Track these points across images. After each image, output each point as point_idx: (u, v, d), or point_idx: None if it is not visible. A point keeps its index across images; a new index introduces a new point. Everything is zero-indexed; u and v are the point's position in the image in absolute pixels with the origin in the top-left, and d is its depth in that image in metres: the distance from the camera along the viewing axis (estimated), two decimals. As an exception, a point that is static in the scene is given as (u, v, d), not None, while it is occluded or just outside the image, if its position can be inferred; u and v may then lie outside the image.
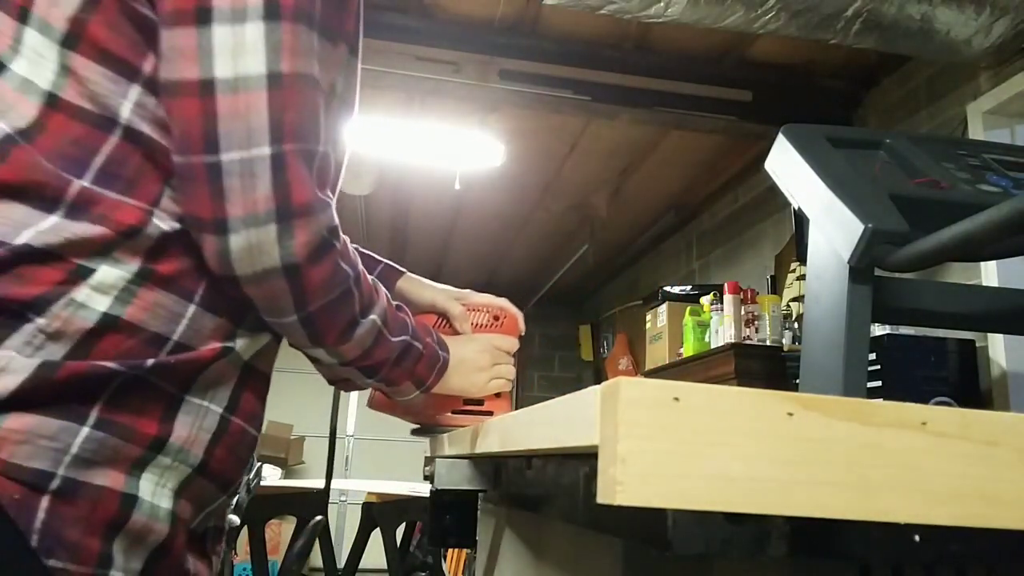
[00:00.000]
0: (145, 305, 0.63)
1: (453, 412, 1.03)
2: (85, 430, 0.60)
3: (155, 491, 0.64)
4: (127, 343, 0.62)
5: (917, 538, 0.32)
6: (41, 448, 0.58)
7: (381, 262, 1.06)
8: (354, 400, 5.64)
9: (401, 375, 0.83)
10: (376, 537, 3.52)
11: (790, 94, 3.31)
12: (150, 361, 0.63)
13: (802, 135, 1.27)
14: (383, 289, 0.80)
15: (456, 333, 1.02)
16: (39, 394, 0.58)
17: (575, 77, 3.18)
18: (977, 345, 2.45)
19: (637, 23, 2.88)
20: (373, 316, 0.76)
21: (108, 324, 0.61)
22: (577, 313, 6.70)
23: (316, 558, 4.42)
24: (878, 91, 3.20)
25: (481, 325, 1.04)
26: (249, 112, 0.62)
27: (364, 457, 6.17)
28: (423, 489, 3.18)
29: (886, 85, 3.15)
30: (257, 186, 0.62)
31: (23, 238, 0.59)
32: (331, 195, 0.70)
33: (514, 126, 3.72)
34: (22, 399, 0.58)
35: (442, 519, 1.10)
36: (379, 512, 3.55)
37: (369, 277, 0.77)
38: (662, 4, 2.38)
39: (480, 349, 0.97)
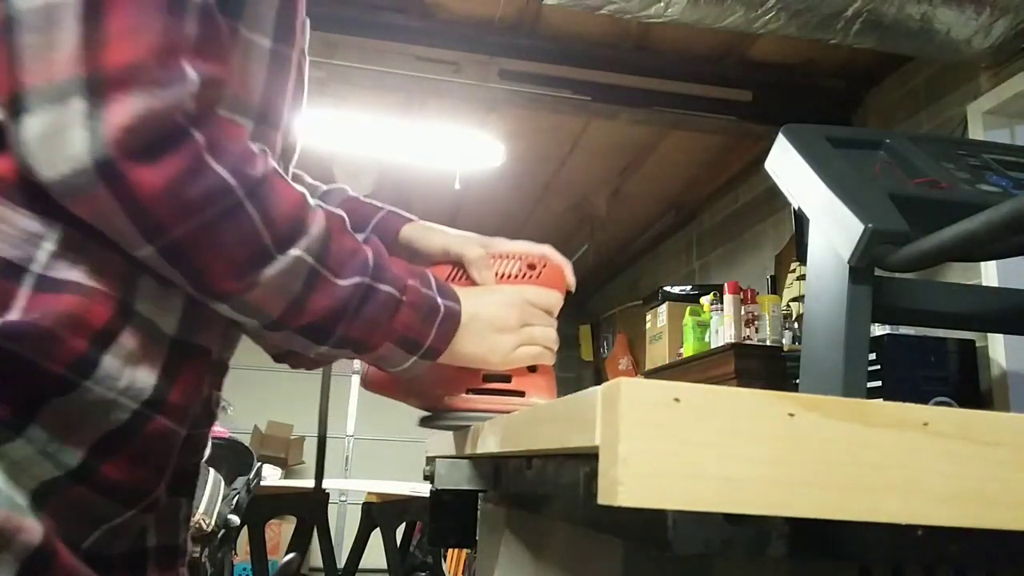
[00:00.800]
0: None
1: (469, 392, 0.74)
2: None
3: (7, 483, 0.48)
4: None
5: (922, 540, 0.32)
6: None
7: (382, 208, 0.83)
8: (354, 400, 5.64)
9: (372, 333, 0.60)
10: (376, 537, 3.52)
11: (790, 94, 3.30)
12: (12, 314, 0.46)
13: (802, 135, 1.27)
14: (327, 212, 0.58)
15: (474, 286, 0.76)
16: None
17: (575, 77, 3.18)
18: (977, 345, 2.45)
19: (637, 23, 2.88)
20: (296, 251, 0.54)
21: None
22: (577, 313, 6.69)
23: (316, 558, 4.42)
24: (878, 91, 3.20)
25: (509, 275, 0.75)
26: None
27: (364, 457, 6.17)
28: (423, 489, 3.18)
29: (886, 85, 3.15)
30: (59, 40, 0.44)
31: None
32: (205, 66, 0.50)
33: (514, 126, 3.72)
34: None
35: (442, 519, 1.10)
36: (379, 512, 3.55)
37: (297, 192, 0.55)
38: (662, 4, 2.38)
39: (504, 302, 0.70)
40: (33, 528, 0.47)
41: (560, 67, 3.15)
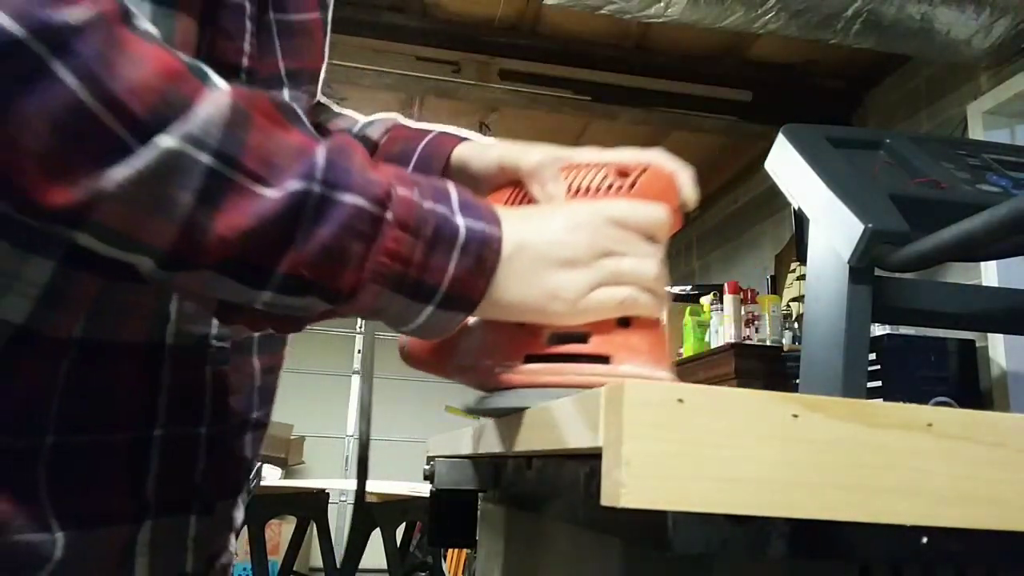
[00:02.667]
0: None
1: (528, 360, 0.50)
2: None
3: None
4: None
5: (924, 540, 0.32)
6: None
7: (432, 130, 0.67)
8: (354, 399, 5.63)
9: (339, 269, 0.40)
10: (376, 537, 3.52)
11: (790, 94, 3.31)
12: None
13: (802, 135, 1.27)
14: (254, 94, 0.40)
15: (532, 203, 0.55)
16: None
17: (575, 77, 3.18)
18: (977, 345, 2.45)
19: (637, 23, 2.88)
20: (168, 139, 0.36)
21: None
22: (577, 313, 6.69)
23: (316, 558, 4.42)
24: (878, 91, 3.20)
25: (590, 189, 0.52)
26: None
27: (364, 457, 6.16)
28: (423, 489, 3.18)
29: (886, 85, 3.15)
30: None
31: None
32: None
33: (514, 126, 3.72)
34: None
35: (442, 519, 1.10)
36: (379, 512, 3.55)
37: (174, 57, 0.38)
38: (662, 4, 2.38)
39: (572, 224, 0.47)
40: None
41: (560, 67, 3.15)
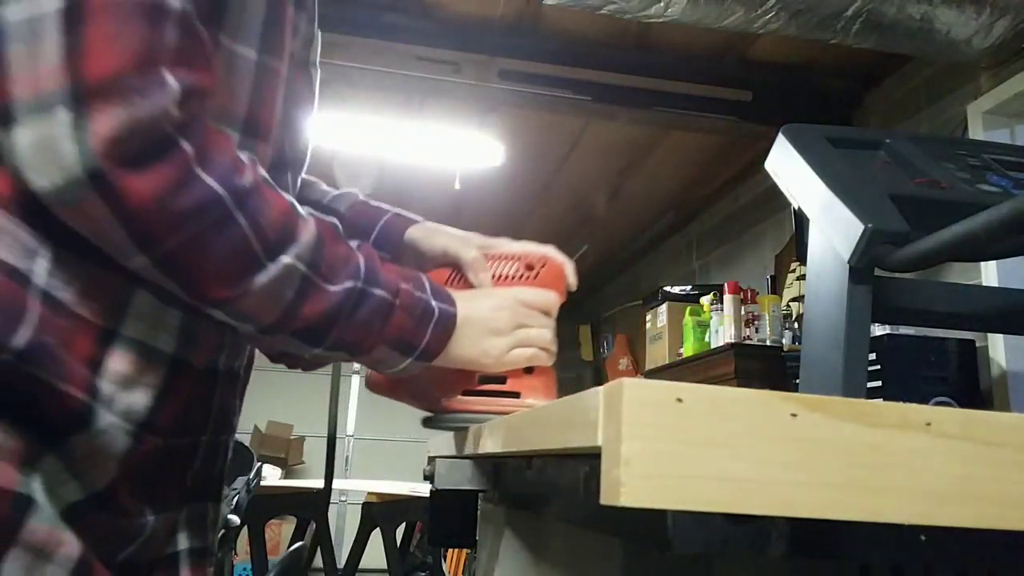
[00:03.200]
0: None
1: (465, 394, 0.75)
2: None
3: (46, 499, 0.50)
4: None
5: (923, 538, 0.32)
6: None
7: (389, 211, 0.84)
8: (354, 400, 5.64)
9: (365, 336, 0.61)
10: (376, 537, 3.52)
11: (790, 94, 3.30)
12: (21, 337, 0.48)
13: (802, 135, 1.27)
14: (323, 222, 0.60)
15: (470, 288, 0.77)
16: None
17: (575, 77, 3.18)
18: (977, 345, 2.45)
19: (637, 23, 2.88)
20: (287, 258, 0.54)
21: None
22: (577, 313, 6.69)
23: (316, 558, 4.42)
24: (878, 91, 3.20)
25: (507, 276, 0.75)
26: None
27: (364, 457, 6.17)
28: (423, 489, 3.18)
29: (886, 85, 3.15)
30: (42, 52, 0.44)
31: None
32: (190, 75, 0.49)
33: (514, 126, 3.72)
34: None
35: (442, 519, 1.10)
36: (379, 512, 3.55)
37: (285, 200, 0.55)
38: (662, 4, 2.38)
39: (496, 306, 0.70)
40: (71, 542, 0.50)
41: (560, 67, 3.15)
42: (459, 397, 0.75)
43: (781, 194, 1.29)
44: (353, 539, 3.68)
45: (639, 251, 5.51)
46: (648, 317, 3.98)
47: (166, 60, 0.48)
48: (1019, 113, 2.63)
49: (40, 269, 0.50)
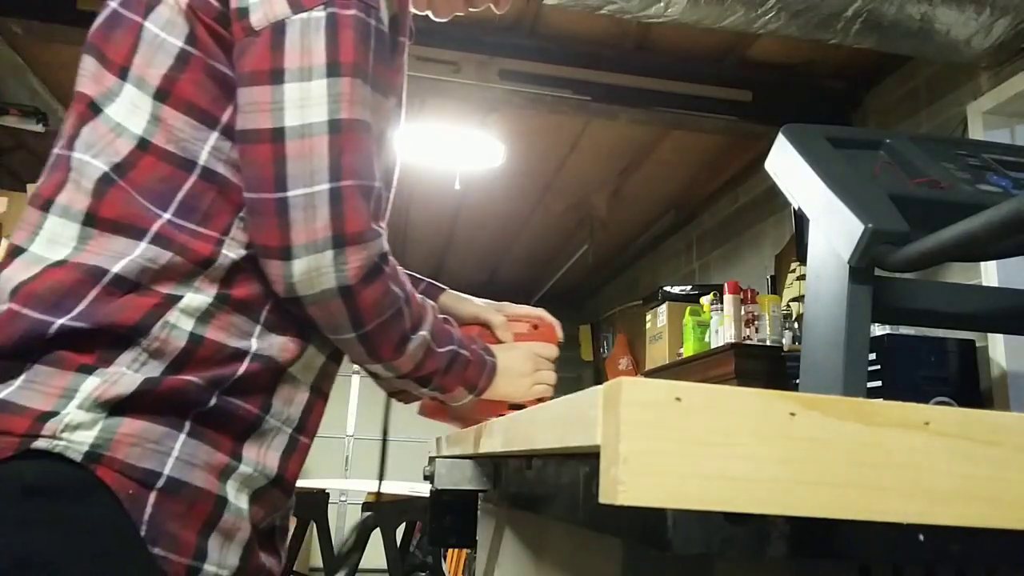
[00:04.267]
0: (223, 325, 0.73)
1: (498, 417, 0.99)
2: (182, 437, 0.70)
3: (237, 495, 0.73)
4: (210, 360, 0.72)
5: (921, 538, 0.32)
6: (149, 450, 0.68)
7: (423, 280, 1.11)
8: (354, 399, 5.64)
9: (452, 382, 0.89)
10: (376, 537, 3.52)
11: (790, 94, 3.31)
12: (236, 373, 0.73)
13: (802, 135, 1.27)
14: (430, 304, 0.86)
15: (498, 343, 1.06)
16: (145, 404, 0.68)
17: (575, 77, 3.18)
18: (977, 345, 2.45)
19: (637, 23, 2.88)
20: (423, 331, 0.83)
21: (196, 342, 0.72)
22: (577, 313, 6.69)
23: (316, 558, 4.42)
24: (878, 91, 3.20)
25: (521, 334, 1.08)
26: (312, 154, 0.72)
27: (364, 457, 6.17)
28: (423, 489, 3.18)
29: (886, 85, 3.15)
30: (317, 217, 0.71)
31: (117, 268, 0.70)
32: (382, 227, 0.78)
33: (514, 126, 3.72)
34: (133, 406, 0.68)
35: (442, 519, 1.10)
36: (379, 512, 3.55)
37: (417, 296, 0.84)
38: (662, 4, 2.37)
39: (523, 356, 1.01)
40: (246, 527, 0.73)
41: (560, 67, 3.15)
42: (494, 419, 0.97)
43: (781, 194, 1.29)
44: (353, 539, 3.67)
45: (639, 251, 5.50)
46: (648, 317, 3.98)
47: (377, 218, 0.76)
48: (1019, 113, 2.63)
49: (252, 344, 0.75)
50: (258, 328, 0.76)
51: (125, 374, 0.68)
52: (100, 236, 0.71)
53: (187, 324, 0.72)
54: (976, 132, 2.62)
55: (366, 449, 6.28)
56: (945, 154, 1.27)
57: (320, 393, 0.83)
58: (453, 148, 3.66)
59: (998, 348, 2.47)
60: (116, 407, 0.67)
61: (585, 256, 5.31)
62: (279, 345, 0.77)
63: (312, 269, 0.72)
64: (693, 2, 2.36)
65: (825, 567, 0.38)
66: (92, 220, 0.72)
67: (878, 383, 2.27)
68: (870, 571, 0.40)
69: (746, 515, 0.31)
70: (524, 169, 4.26)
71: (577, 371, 6.59)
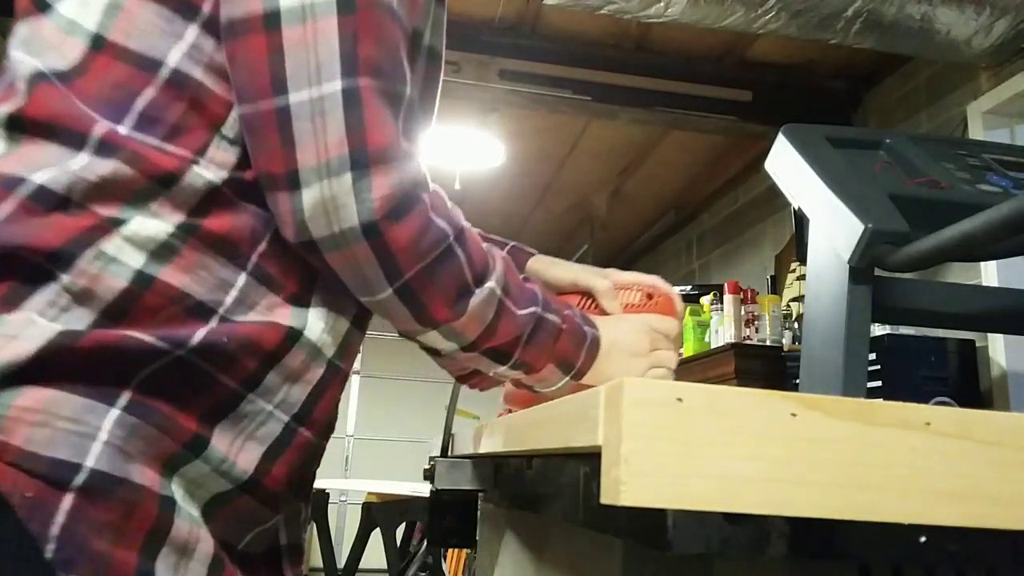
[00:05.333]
0: (187, 266, 0.54)
1: None
2: (114, 413, 0.50)
3: (184, 500, 0.53)
4: (166, 311, 0.52)
5: (923, 539, 0.32)
6: (62, 432, 0.47)
7: (506, 243, 0.88)
8: (354, 399, 5.64)
9: (540, 356, 0.68)
10: (376, 537, 3.52)
11: (790, 94, 3.31)
12: (196, 337, 0.53)
13: (802, 135, 1.27)
14: (500, 254, 0.66)
15: (603, 315, 0.83)
16: (59, 366, 0.49)
17: (575, 77, 3.18)
18: (977, 345, 2.45)
19: (637, 23, 2.88)
20: (490, 283, 0.63)
21: (143, 284, 0.52)
22: (577, 313, 6.69)
23: (316, 558, 4.42)
24: (878, 91, 3.20)
25: (632, 305, 0.83)
26: (317, 41, 0.54)
27: (364, 457, 6.17)
28: (423, 489, 3.18)
29: (886, 85, 3.15)
30: (328, 128, 0.54)
31: (40, 178, 0.52)
32: (414, 144, 0.61)
33: (514, 126, 3.72)
34: (42, 369, 0.48)
35: (442, 519, 1.10)
36: (379, 512, 3.55)
37: (477, 236, 0.65)
38: (662, 4, 2.37)
39: (636, 330, 0.77)
40: (207, 538, 0.54)
41: (560, 67, 3.15)
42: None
43: (781, 194, 1.29)
44: (353, 539, 3.67)
45: (639, 251, 5.51)
46: (648, 317, 3.98)
47: (408, 135, 0.59)
48: (1019, 113, 2.63)
49: (229, 299, 0.56)
50: (243, 277, 0.56)
51: (34, 323, 0.49)
52: (28, 142, 0.54)
53: (132, 258, 0.52)
54: (976, 132, 2.62)
55: (366, 449, 6.28)
56: (945, 154, 1.27)
57: (337, 372, 0.63)
58: (453, 148, 3.66)
59: (998, 348, 2.47)
60: (16, 371, 0.48)
61: (585, 256, 5.31)
62: (268, 305, 0.57)
63: (327, 200, 0.54)
64: (693, 2, 2.36)
65: (825, 567, 0.38)
66: (19, 123, 0.54)
67: (878, 383, 2.27)
68: (870, 571, 0.40)
69: (746, 515, 0.31)
70: (524, 169, 4.26)
71: (577, 371, 6.59)
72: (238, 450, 0.56)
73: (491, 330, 0.64)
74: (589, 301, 0.83)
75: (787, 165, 1.25)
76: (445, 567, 3.68)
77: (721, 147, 3.91)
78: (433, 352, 0.70)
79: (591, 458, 0.37)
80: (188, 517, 0.53)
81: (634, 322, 0.79)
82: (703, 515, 0.30)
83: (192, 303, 0.54)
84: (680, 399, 0.30)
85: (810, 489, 0.31)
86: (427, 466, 1.00)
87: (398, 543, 3.61)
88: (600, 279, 0.83)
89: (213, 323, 0.55)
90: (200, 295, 0.54)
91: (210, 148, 0.56)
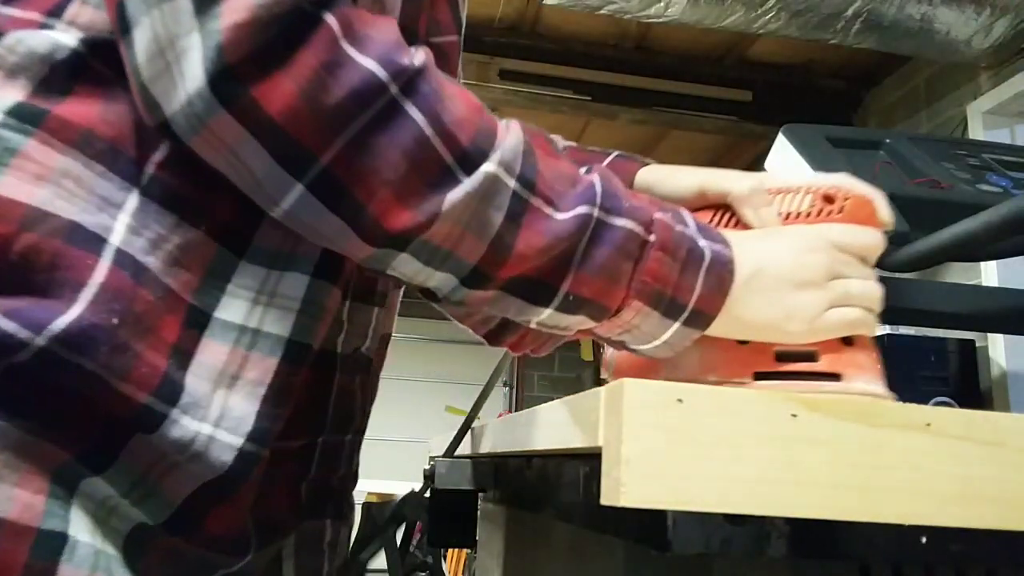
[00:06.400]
0: (32, 168, 0.37)
1: (757, 378, 0.49)
2: None
3: (93, 533, 0.37)
4: (16, 244, 0.36)
5: (924, 539, 0.32)
6: None
7: (610, 153, 0.67)
8: (354, 400, 5.62)
9: (610, 287, 0.43)
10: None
11: (790, 94, 3.30)
12: (61, 319, 0.35)
13: (802, 135, 1.27)
14: (530, 127, 0.45)
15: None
16: None
17: (575, 77, 3.18)
18: (977, 345, 2.45)
19: (637, 23, 2.88)
20: (489, 166, 0.40)
21: None
22: (577, 313, 6.67)
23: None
24: (878, 91, 3.20)
25: (799, 214, 0.53)
26: None
27: (364, 457, 6.17)
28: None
29: (886, 85, 3.15)
30: None
31: None
32: None
33: (514, 126, 3.72)
34: None
35: (442, 519, 1.10)
36: (379, 512, 3.55)
37: (467, 92, 0.42)
38: (662, 4, 2.37)
39: (804, 247, 0.48)
40: None
41: (560, 67, 3.15)
42: (753, 383, 0.50)
43: (781, 194, 1.29)
44: (353, 539, 3.67)
45: (639, 251, 5.50)
46: (648, 317, 3.98)
47: None
48: (1019, 113, 2.62)
49: (120, 225, 0.38)
50: (133, 199, 0.38)
51: None
52: None
53: None
54: (976, 132, 2.62)
55: (366, 449, 6.28)
56: (945, 154, 1.27)
57: (307, 348, 0.43)
58: (453, 148, 3.66)
59: (998, 348, 2.46)
60: None
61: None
62: (188, 245, 0.39)
63: (161, 41, 0.35)
64: (693, 2, 2.36)
65: (825, 567, 0.38)
66: None
67: (878, 383, 2.27)
68: (870, 572, 0.40)
69: (746, 515, 0.31)
70: (524, 169, 4.25)
71: (577, 371, 6.59)
72: (157, 481, 0.39)
73: (504, 245, 0.40)
74: (726, 217, 0.57)
75: (787, 165, 1.25)
76: (445, 567, 3.68)
77: (721, 147, 3.91)
78: (430, 296, 0.45)
79: (591, 458, 0.37)
80: (90, 559, 0.36)
81: (800, 236, 0.49)
82: (703, 515, 0.30)
83: (60, 224, 0.37)
84: (681, 400, 0.30)
85: (811, 490, 0.31)
86: (427, 466, 1.00)
87: (398, 543, 3.60)
88: (739, 181, 0.55)
89: (106, 260, 0.37)
90: (71, 215, 0.37)
91: (71, 6, 0.40)
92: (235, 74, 0.35)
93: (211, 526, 0.41)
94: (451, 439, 0.99)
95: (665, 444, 0.30)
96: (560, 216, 0.42)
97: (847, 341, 0.50)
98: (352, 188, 0.37)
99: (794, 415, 0.31)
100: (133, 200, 0.39)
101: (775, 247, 0.48)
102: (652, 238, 0.44)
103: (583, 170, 0.45)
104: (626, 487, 0.29)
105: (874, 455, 0.31)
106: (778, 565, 0.38)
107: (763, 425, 0.31)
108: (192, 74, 0.35)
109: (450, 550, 3.84)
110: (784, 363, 0.49)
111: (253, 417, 0.40)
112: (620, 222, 0.43)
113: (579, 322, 0.45)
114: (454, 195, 0.39)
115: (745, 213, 0.53)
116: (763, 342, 0.48)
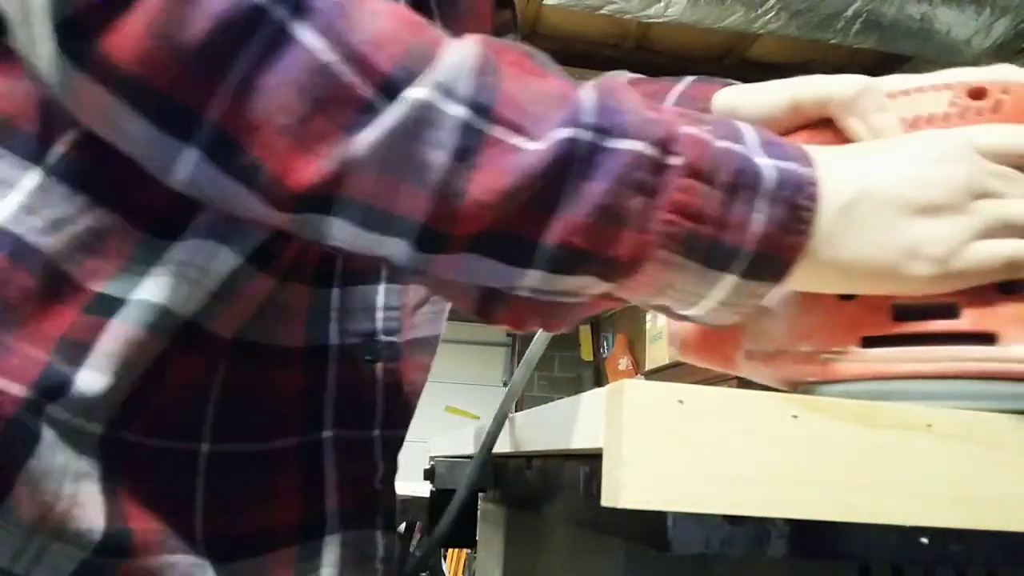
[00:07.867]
0: None
1: (867, 343, 0.37)
2: None
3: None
4: None
5: (924, 540, 0.32)
6: None
7: (684, 78, 0.58)
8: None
9: (617, 232, 0.32)
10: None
11: (790, 94, 3.31)
12: None
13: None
14: (494, 41, 0.35)
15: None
16: None
17: (575, 77, 3.19)
18: (977, 345, 2.45)
19: (637, 23, 2.88)
20: (417, 90, 0.31)
21: None
22: (577, 313, 6.67)
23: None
24: (878, 91, 3.21)
25: (936, 117, 0.40)
26: None
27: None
28: (423, 489, 3.18)
29: (886, 85, 3.16)
30: None
31: None
32: None
33: (514, 126, 3.72)
34: None
35: (442, 519, 1.09)
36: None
37: (407, 11, 0.34)
38: (662, 4, 2.38)
39: (931, 155, 0.35)
40: None
41: (560, 67, 3.16)
42: (862, 352, 0.37)
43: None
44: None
45: (639, 251, 5.50)
46: (648, 317, 3.99)
47: None
48: (1019, 113, 2.63)
49: (8, 204, 0.34)
50: (32, 177, 0.35)
51: None
52: None
53: None
54: (976, 132, 2.62)
55: (366, 449, 6.28)
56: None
57: (256, 351, 0.40)
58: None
59: None
60: None
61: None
62: (100, 227, 0.35)
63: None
64: (693, 2, 2.36)
65: (825, 568, 0.38)
66: None
67: (878, 383, 2.27)
68: (870, 571, 0.40)
69: (746, 516, 0.31)
70: (524, 169, 4.26)
71: (577, 371, 6.59)
72: (67, 502, 0.33)
73: (452, 192, 0.31)
74: (829, 134, 0.46)
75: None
76: (445, 567, 3.69)
77: (721, 147, 3.92)
78: (389, 265, 0.35)
79: (591, 458, 0.37)
80: None
81: (929, 141, 0.36)
82: (703, 515, 0.30)
83: None
84: (681, 401, 0.30)
85: (811, 491, 0.31)
86: (427, 466, 1.00)
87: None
88: (844, 81, 0.45)
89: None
90: None
91: None
92: (79, 26, 0.29)
93: (139, 536, 0.35)
94: (484, 436, 0.99)
95: (666, 445, 0.30)
96: (533, 146, 0.32)
97: (1004, 288, 0.35)
98: (243, 143, 0.31)
99: (795, 416, 0.31)
100: (32, 179, 0.35)
101: (887, 159, 0.35)
102: (676, 160, 0.32)
103: (589, 86, 0.35)
104: (627, 489, 0.29)
105: (875, 456, 0.31)
106: (778, 565, 0.38)
107: (763, 426, 0.31)
108: (43, 34, 0.30)
109: (450, 550, 3.84)
110: (906, 323, 0.36)
111: (52, 370, 0.34)
112: (622, 144, 0.32)
113: (586, 284, 0.34)
114: (368, 134, 0.31)
115: (851, 124, 0.42)
116: (875, 295, 0.36)
